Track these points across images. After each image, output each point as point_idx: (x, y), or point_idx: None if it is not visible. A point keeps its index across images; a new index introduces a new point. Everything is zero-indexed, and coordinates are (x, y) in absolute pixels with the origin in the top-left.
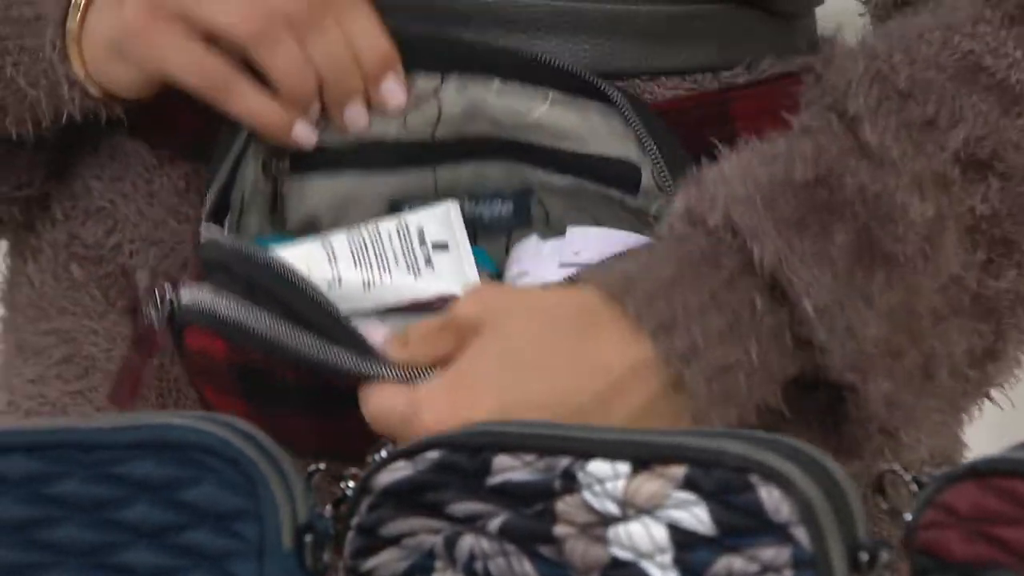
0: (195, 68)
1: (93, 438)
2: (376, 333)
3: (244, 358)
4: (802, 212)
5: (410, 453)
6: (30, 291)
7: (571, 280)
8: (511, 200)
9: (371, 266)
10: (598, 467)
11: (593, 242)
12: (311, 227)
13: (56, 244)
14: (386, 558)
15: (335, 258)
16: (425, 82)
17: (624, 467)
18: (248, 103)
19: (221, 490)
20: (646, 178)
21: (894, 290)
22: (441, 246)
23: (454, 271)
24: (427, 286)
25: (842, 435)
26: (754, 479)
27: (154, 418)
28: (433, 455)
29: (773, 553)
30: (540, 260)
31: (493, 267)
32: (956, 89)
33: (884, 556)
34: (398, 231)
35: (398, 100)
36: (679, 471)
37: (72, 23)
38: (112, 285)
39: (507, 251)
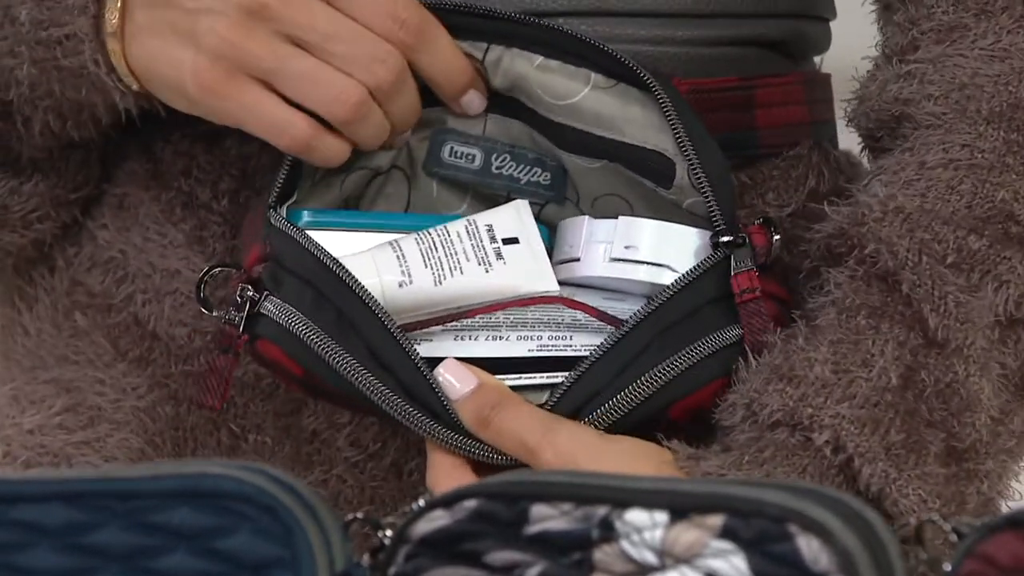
0: (278, 130)
1: (130, 487)
2: (463, 378)
3: (319, 384)
4: (902, 428)
5: (448, 502)
6: (25, 340)
7: (666, 457)
8: (550, 171)
9: (441, 264)
10: (636, 516)
11: (645, 237)
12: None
13: (55, 292)
14: None
15: (404, 259)
16: (470, 48)
17: (662, 516)
18: (327, 155)
19: (257, 538)
20: (680, 174)
21: (977, 489)
22: (511, 240)
23: (526, 262)
24: (500, 282)
25: None
26: (793, 529)
27: (190, 466)
28: (471, 504)
29: None
30: (590, 249)
31: (547, 237)
32: (997, 254)
33: None
34: (467, 230)
35: (477, 110)
36: (717, 520)
37: (114, 43)
38: (123, 335)
39: (537, 220)
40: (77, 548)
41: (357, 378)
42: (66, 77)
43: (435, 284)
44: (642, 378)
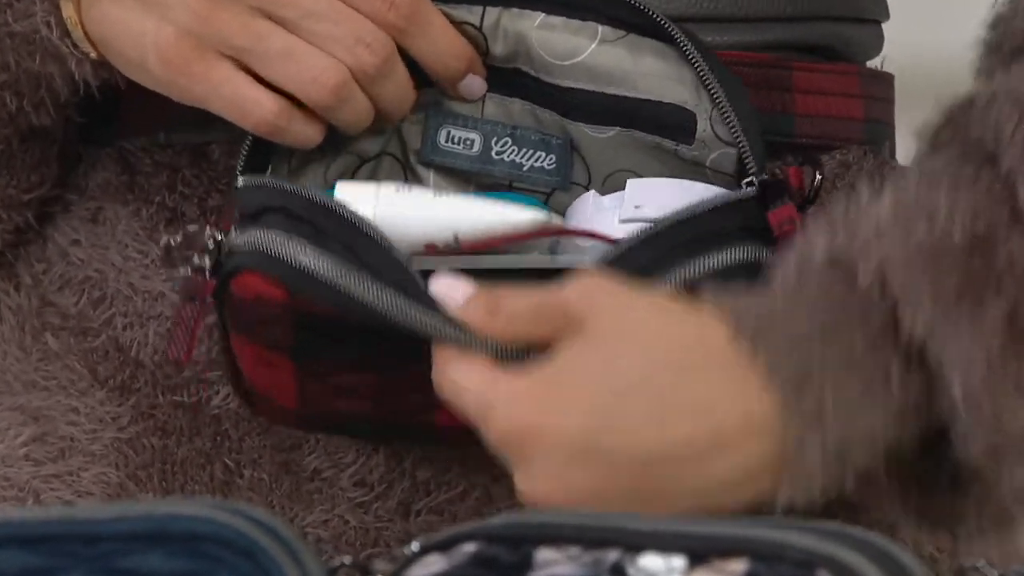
0: (242, 110)
1: (96, 529)
2: (456, 289)
3: (307, 307)
4: (959, 282)
5: (445, 546)
6: None
7: (696, 301)
8: (555, 153)
9: (446, 189)
10: (650, 561)
11: (655, 194)
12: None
13: (22, 311)
14: None
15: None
16: (466, 14)
17: (679, 561)
18: (298, 137)
19: None
20: (702, 126)
21: None
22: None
23: (539, 213)
24: (505, 209)
25: (936, 504)
26: (822, 574)
27: (161, 507)
28: (470, 548)
29: None
30: (600, 216)
31: (546, 212)
32: None
33: None
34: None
35: (477, 94)
36: (740, 566)
37: (68, 8)
38: (101, 360)
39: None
40: None
41: (346, 278)
42: (19, 44)
43: (434, 194)
44: (667, 280)
